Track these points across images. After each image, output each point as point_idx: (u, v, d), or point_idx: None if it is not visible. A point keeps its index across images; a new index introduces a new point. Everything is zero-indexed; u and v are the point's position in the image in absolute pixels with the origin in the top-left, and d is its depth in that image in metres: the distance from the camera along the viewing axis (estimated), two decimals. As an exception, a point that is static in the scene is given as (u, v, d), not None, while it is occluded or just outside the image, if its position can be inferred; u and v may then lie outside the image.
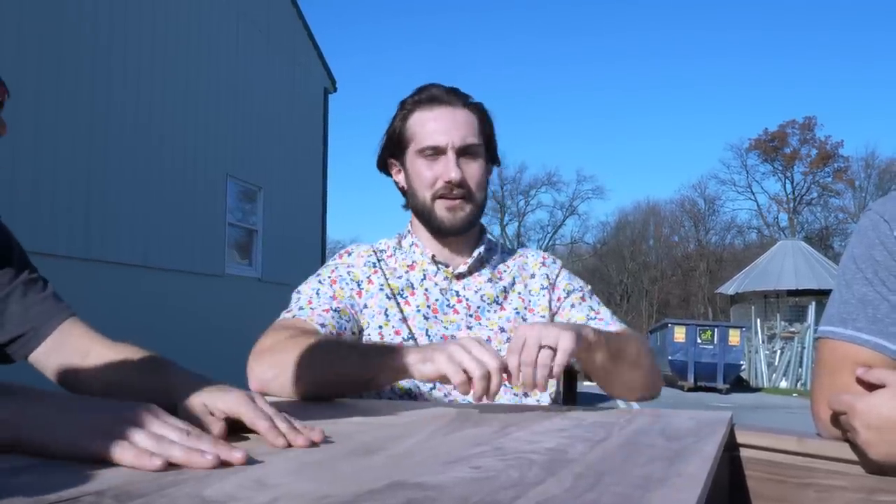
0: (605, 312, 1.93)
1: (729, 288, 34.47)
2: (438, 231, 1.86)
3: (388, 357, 1.46)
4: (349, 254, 1.92)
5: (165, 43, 11.10)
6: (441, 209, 1.82)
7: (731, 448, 1.38)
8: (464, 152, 1.81)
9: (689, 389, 23.68)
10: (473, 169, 1.82)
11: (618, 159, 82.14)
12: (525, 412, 1.37)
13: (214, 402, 0.99)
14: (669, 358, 24.93)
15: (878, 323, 1.25)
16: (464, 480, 0.74)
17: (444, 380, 1.37)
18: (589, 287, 2.01)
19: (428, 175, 1.81)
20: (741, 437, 1.37)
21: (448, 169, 1.78)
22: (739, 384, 26.46)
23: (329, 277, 1.85)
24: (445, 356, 1.35)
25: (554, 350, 1.37)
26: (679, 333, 25.13)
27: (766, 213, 52.35)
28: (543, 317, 1.90)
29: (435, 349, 1.39)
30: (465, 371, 1.33)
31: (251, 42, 13.46)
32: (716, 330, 25.28)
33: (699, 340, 24.85)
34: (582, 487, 0.72)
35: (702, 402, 17.04)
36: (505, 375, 1.36)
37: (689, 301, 50.60)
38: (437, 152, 1.80)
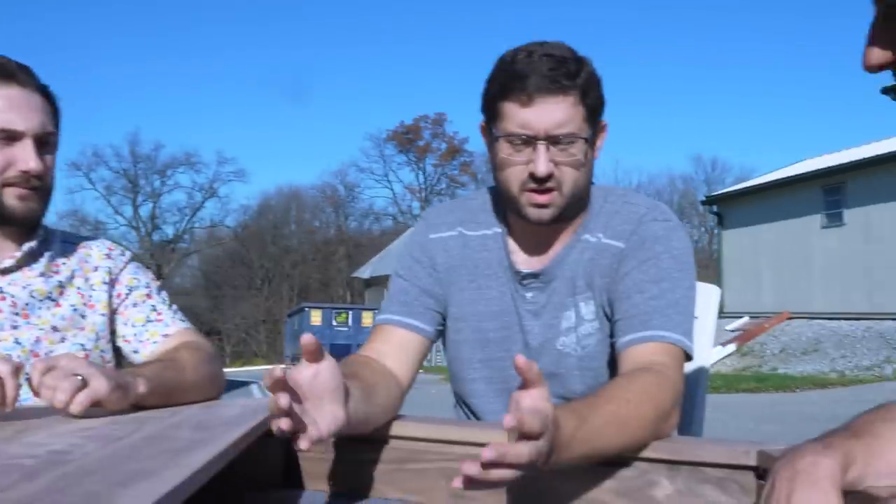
0: (167, 313, 1.82)
1: (365, 272, 35.80)
2: (7, 221, 1.67)
3: None
4: None
5: None
6: (11, 198, 1.61)
7: (285, 432, 1.43)
8: (42, 141, 1.63)
9: (325, 371, 24.27)
10: (50, 160, 1.67)
11: (260, 142, 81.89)
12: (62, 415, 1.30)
13: None
14: (306, 341, 25.39)
15: (408, 306, 1.59)
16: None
17: None
18: (158, 284, 1.89)
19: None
20: (296, 422, 1.42)
21: (27, 157, 1.59)
22: (373, 364, 27.55)
23: None
24: None
25: (84, 385, 1.29)
26: (316, 317, 25.74)
27: (401, 201, 54.97)
28: (104, 315, 1.77)
29: None
30: None
31: None
32: (350, 313, 26.22)
33: (335, 323, 25.63)
34: (54, 489, 0.70)
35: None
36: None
37: (330, 285, 51.72)
38: (12, 137, 1.60)
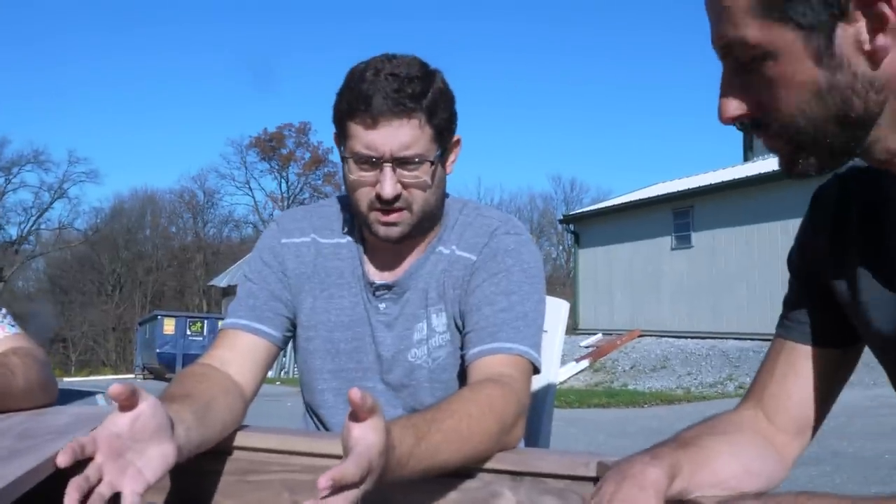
0: None
1: (222, 280, 34.98)
2: None
3: None
4: None
5: None
6: None
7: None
8: None
9: (177, 381, 23.60)
10: None
11: (115, 143, 78.90)
12: None
13: None
14: (158, 350, 24.66)
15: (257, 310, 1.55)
16: None
17: None
18: None
19: None
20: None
21: None
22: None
23: None
24: None
25: None
26: (169, 325, 24.98)
27: (263, 210, 54.09)
28: None
29: None
30: None
31: None
32: (206, 322, 25.57)
33: (189, 332, 24.93)
34: None
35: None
36: None
37: (185, 293, 50.31)
38: None
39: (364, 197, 1.48)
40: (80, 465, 0.89)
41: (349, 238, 1.62)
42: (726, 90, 0.91)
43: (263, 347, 1.52)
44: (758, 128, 0.92)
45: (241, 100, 78.67)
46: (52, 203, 49.31)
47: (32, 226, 49.06)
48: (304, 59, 78.68)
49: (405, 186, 1.46)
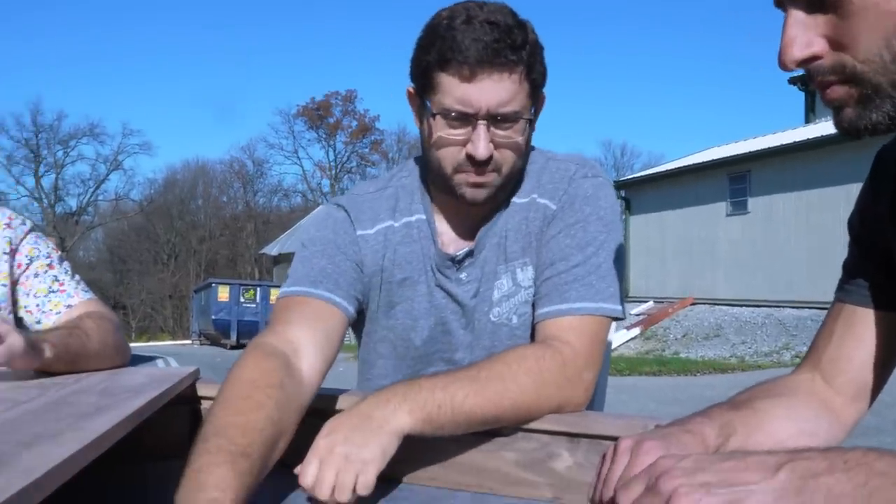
0: (70, 284, 1.81)
1: (273, 249, 35.41)
2: None
3: None
4: None
5: None
6: None
7: (192, 401, 1.43)
8: None
9: (233, 347, 24.01)
10: None
11: (166, 115, 79.86)
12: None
13: None
14: (213, 317, 25.09)
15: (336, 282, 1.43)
16: None
17: None
18: (59, 254, 1.87)
19: None
20: (203, 391, 1.42)
21: None
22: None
23: None
24: None
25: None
26: (223, 293, 25.38)
27: (311, 179, 54.45)
28: (5, 285, 1.75)
29: None
30: None
31: None
32: (258, 289, 25.94)
33: (242, 299, 25.33)
34: (-45, 449, 0.69)
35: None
36: None
37: (237, 261, 50.97)
38: None
39: (450, 157, 1.38)
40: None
41: (419, 214, 1.53)
42: (793, 29, 0.80)
43: (340, 323, 1.41)
44: (824, 73, 0.81)
45: (288, 69, 78.93)
46: (108, 175, 50.34)
47: (90, 197, 50.14)
48: (351, 27, 78.60)
49: (497, 147, 1.35)
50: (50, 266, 1.81)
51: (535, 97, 1.39)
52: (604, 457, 0.90)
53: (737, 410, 1.02)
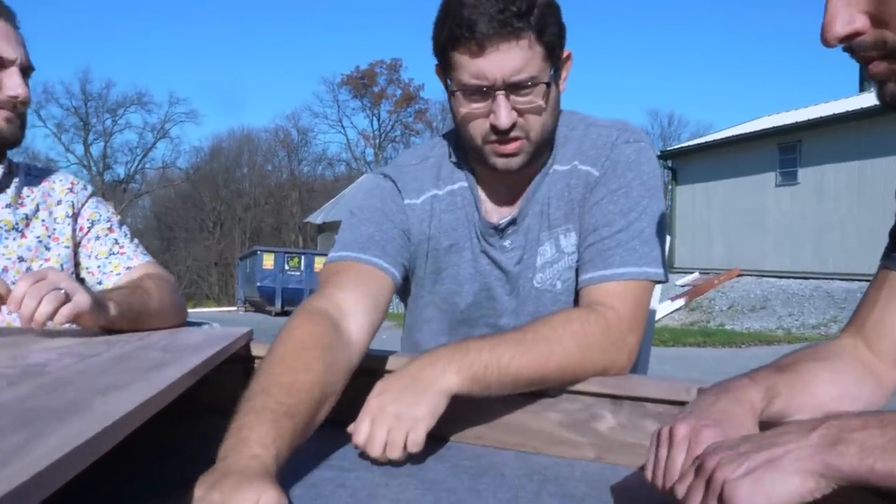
0: (129, 247, 1.88)
1: (317, 217, 35.64)
2: None
3: None
4: None
5: None
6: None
7: (247, 360, 1.48)
8: (25, 73, 1.71)
9: (277, 314, 24.31)
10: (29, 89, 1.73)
11: (212, 84, 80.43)
12: (36, 333, 1.35)
13: None
14: (258, 284, 25.44)
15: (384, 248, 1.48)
16: None
17: None
18: (118, 218, 1.94)
19: None
20: (256, 350, 1.47)
21: (15, 84, 1.67)
22: (324, 309, 27.66)
23: None
24: None
25: (66, 297, 1.35)
26: (268, 260, 25.68)
27: (355, 148, 54.56)
28: (68, 247, 1.82)
29: None
30: None
31: None
32: (303, 257, 26.20)
33: (287, 267, 25.62)
34: (35, 395, 0.74)
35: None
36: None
37: (282, 229, 51.37)
38: (1, 64, 1.67)
39: (477, 130, 1.41)
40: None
41: (461, 182, 1.56)
42: (835, 5, 0.82)
43: (386, 288, 1.44)
44: (866, 49, 0.82)
45: (333, 37, 78.94)
46: (155, 143, 50.85)
47: (138, 165, 50.72)
48: (398, -4, 78.32)
49: (520, 113, 1.38)
50: (110, 229, 1.88)
51: (553, 58, 1.40)
52: (658, 437, 0.92)
53: (781, 373, 1.04)
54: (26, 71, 1.73)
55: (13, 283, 1.68)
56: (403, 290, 1.65)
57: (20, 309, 1.30)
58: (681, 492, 0.80)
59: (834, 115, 17.86)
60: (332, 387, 1.14)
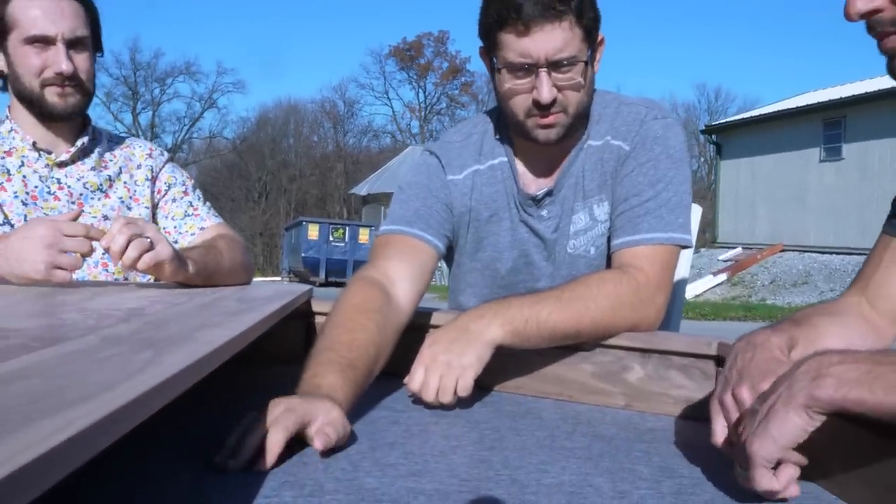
0: (202, 209, 2.04)
1: (362, 189, 35.89)
2: (49, 116, 1.86)
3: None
4: None
5: None
6: (52, 96, 1.82)
7: (307, 315, 1.62)
8: (73, 44, 1.81)
9: (321, 285, 24.54)
10: (82, 60, 1.84)
11: (260, 54, 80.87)
12: (122, 285, 1.50)
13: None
14: (303, 255, 25.71)
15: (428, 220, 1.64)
16: (43, 326, 0.87)
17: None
18: (192, 182, 2.09)
19: (36, 63, 1.80)
20: (316, 306, 1.61)
21: (59, 60, 1.78)
22: (367, 280, 27.88)
23: None
24: (43, 269, 1.46)
25: (151, 246, 1.49)
26: (313, 231, 25.89)
27: (401, 120, 54.71)
28: (147, 208, 1.98)
29: (23, 260, 1.48)
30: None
31: None
32: (347, 228, 26.39)
33: (332, 238, 25.84)
34: (146, 329, 0.88)
35: (331, 297, 17.73)
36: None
37: (327, 201, 51.71)
38: (46, 42, 1.79)
39: (521, 104, 1.53)
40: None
41: (501, 157, 1.69)
42: None
43: (431, 257, 1.59)
44: (884, 25, 0.91)
45: (381, 8, 78.96)
46: (202, 113, 51.35)
47: (186, 135, 51.32)
48: (443, -33, 77.92)
49: (560, 89, 1.51)
50: (185, 192, 2.04)
51: (590, 41, 1.53)
52: (723, 403, 0.99)
53: (798, 326, 1.15)
54: (75, 43, 1.81)
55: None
56: (448, 257, 1.80)
57: (111, 245, 1.46)
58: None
59: (879, 90, 17.59)
60: (384, 343, 1.31)
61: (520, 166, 1.69)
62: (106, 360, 0.66)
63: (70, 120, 1.90)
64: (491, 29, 1.51)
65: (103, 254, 1.74)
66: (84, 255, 1.50)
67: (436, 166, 1.70)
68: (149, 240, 1.49)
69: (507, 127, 1.68)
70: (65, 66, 1.79)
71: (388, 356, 1.32)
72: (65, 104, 1.83)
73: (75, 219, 1.58)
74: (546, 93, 1.49)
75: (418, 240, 1.59)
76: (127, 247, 1.45)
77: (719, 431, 0.97)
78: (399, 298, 1.44)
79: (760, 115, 22.45)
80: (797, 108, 20.54)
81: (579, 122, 1.60)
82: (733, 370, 1.03)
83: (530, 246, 1.70)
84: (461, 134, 1.75)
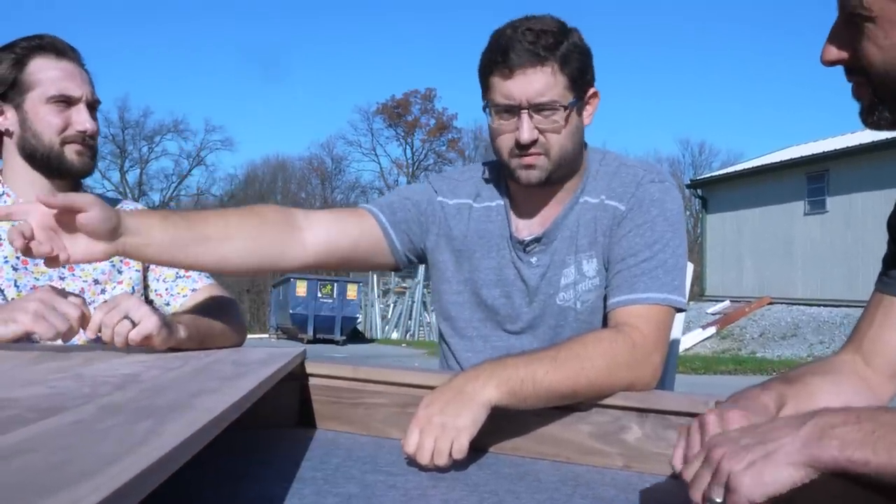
0: (193, 271, 2.01)
1: (350, 245, 35.82)
2: (66, 174, 1.89)
3: None
4: None
5: None
6: (72, 154, 1.86)
7: (300, 377, 1.61)
8: (91, 106, 1.90)
9: (309, 342, 24.42)
10: (97, 122, 1.94)
11: (247, 112, 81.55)
12: (115, 350, 1.48)
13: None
14: (291, 312, 25.63)
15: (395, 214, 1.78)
16: (38, 395, 0.85)
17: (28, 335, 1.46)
18: None
19: (58, 121, 1.84)
20: (310, 368, 1.60)
21: (83, 119, 1.86)
22: (356, 336, 27.85)
23: None
24: (30, 316, 1.45)
25: (133, 325, 1.48)
26: (301, 288, 25.86)
27: (388, 176, 54.98)
28: (138, 271, 1.97)
29: (15, 309, 1.48)
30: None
31: None
32: (335, 285, 26.35)
33: (320, 294, 25.80)
34: (143, 396, 0.87)
35: (319, 354, 17.64)
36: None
37: (314, 257, 51.58)
38: (69, 102, 1.85)
39: (505, 144, 1.62)
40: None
41: (497, 201, 1.76)
42: (832, 37, 1.06)
43: (371, 232, 1.72)
44: (851, 74, 1.06)
45: (368, 67, 79.87)
46: (190, 170, 51.62)
47: (173, 192, 51.43)
48: (431, 27, 79.08)
49: (542, 132, 1.58)
50: None
51: (576, 89, 1.60)
52: (689, 430, 1.01)
53: (790, 384, 1.15)
54: (93, 105, 1.92)
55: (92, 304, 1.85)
56: (435, 281, 1.84)
57: (102, 336, 1.47)
58: (687, 475, 0.90)
59: (860, 144, 17.87)
60: (248, 238, 1.56)
61: (513, 211, 1.75)
62: (106, 432, 0.65)
63: (82, 178, 1.95)
64: (483, 73, 1.62)
65: None
66: (72, 326, 1.49)
67: (426, 187, 1.82)
68: (129, 319, 1.47)
69: (501, 169, 1.74)
70: (89, 125, 1.88)
71: (248, 252, 1.55)
72: (82, 162, 1.89)
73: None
74: (526, 133, 1.57)
75: (370, 216, 1.72)
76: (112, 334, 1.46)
77: (679, 455, 0.98)
78: (303, 233, 1.62)
79: (745, 169, 22.71)
80: (781, 161, 20.80)
81: (564, 167, 1.65)
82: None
83: (514, 289, 1.74)
84: (463, 174, 1.85)
